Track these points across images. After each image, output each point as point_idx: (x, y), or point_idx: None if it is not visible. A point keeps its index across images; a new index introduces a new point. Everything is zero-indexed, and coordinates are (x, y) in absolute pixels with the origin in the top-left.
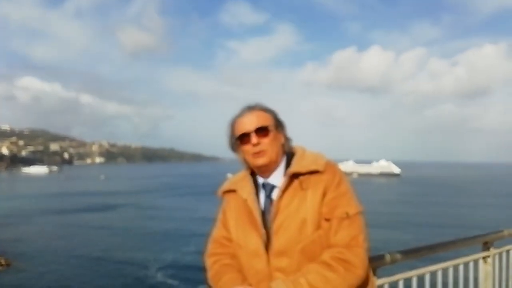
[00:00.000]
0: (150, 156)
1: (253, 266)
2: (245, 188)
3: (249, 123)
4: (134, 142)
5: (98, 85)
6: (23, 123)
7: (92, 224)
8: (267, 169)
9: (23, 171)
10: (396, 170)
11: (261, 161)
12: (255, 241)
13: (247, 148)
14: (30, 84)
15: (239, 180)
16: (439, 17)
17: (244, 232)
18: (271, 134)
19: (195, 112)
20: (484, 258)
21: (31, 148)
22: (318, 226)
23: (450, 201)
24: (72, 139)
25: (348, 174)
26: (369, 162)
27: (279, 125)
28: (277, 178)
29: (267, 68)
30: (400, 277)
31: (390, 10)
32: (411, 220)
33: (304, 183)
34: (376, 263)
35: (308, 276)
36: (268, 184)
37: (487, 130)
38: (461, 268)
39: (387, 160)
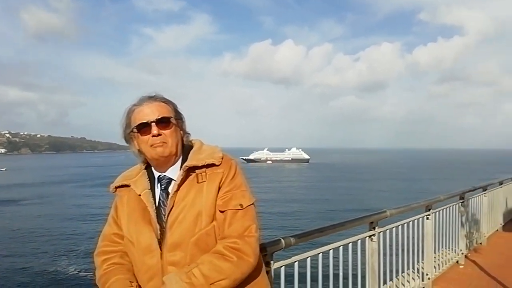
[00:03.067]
0: (59, 146)
1: (145, 262)
2: (139, 182)
3: (150, 113)
4: (40, 131)
5: None
6: None
7: None
8: (166, 162)
9: None
10: (306, 156)
11: (161, 152)
12: (148, 236)
13: (146, 138)
14: None
15: (133, 174)
16: (343, 16)
17: (136, 228)
18: (172, 126)
19: (109, 100)
20: (370, 236)
21: None
22: (213, 219)
23: (350, 185)
24: None
25: (263, 161)
26: (282, 149)
27: (179, 118)
28: (174, 171)
29: (184, 57)
30: (295, 259)
31: (300, 6)
32: (314, 204)
33: (200, 176)
34: (272, 247)
35: (201, 266)
36: (165, 177)
37: (383, 120)
38: (350, 246)
39: (298, 147)
